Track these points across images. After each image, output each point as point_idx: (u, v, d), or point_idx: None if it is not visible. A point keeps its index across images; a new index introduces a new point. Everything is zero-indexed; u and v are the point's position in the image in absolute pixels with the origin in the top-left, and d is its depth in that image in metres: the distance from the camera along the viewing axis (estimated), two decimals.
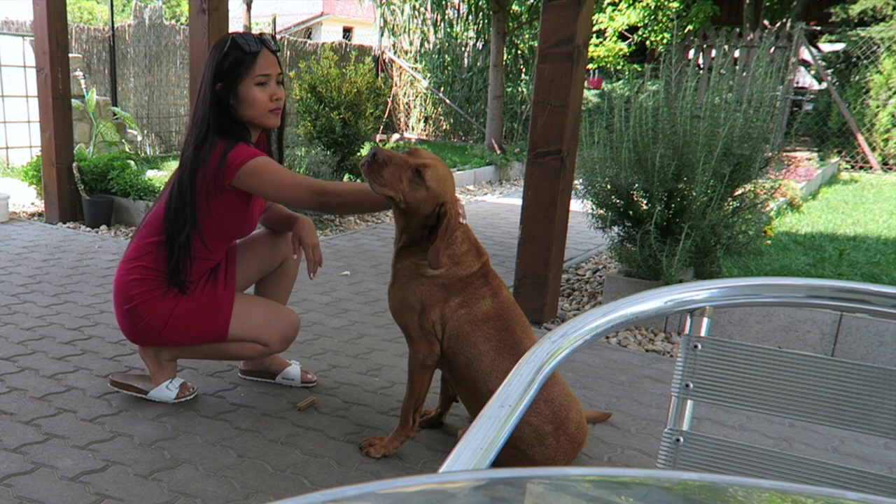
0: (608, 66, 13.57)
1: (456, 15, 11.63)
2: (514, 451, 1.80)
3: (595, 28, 12.90)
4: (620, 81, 13.28)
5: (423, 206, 1.79)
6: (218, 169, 1.99)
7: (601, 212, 3.36)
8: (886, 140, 9.48)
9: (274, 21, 10.26)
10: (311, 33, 22.88)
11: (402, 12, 11.57)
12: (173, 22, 9.22)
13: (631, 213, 3.26)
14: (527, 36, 11.52)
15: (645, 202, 3.20)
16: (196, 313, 2.11)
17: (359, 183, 1.99)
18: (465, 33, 11.63)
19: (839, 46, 10.33)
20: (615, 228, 3.37)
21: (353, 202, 1.99)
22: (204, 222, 2.07)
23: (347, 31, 24.71)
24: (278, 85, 2.07)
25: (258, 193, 2.06)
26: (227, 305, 2.13)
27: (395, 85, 12.07)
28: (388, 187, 1.76)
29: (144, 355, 2.26)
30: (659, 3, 12.51)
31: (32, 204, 5.34)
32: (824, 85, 10.02)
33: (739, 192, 3.26)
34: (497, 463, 0.66)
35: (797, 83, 11.02)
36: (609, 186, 3.28)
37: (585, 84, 5.68)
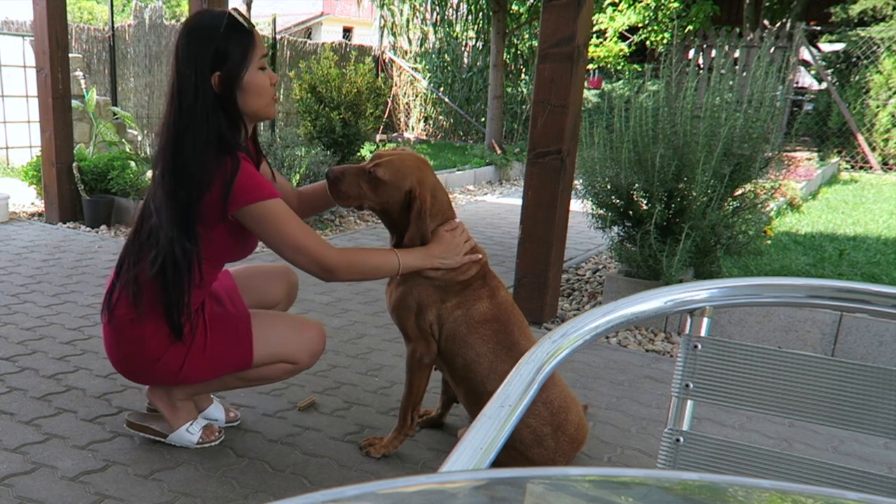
0: (608, 66, 13.57)
1: (456, 15, 11.63)
2: (513, 453, 1.80)
3: (595, 28, 12.90)
4: (620, 81, 13.29)
5: (391, 199, 1.84)
6: (224, 198, 1.71)
7: (601, 212, 3.36)
8: (886, 140, 9.48)
9: (274, 21, 10.26)
10: (311, 33, 22.88)
11: (402, 12, 11.58)
12: (173, 22, 9.22)
13: (631, 213, 3.26)
14: (527, 36, 11.53)
15: (645, 202, 3.20)
16: (216, 342, 1.86)
17: (379, 251, 1.84)
18: (465, 33, 11.64)
19: (839, 46, 10.33)
20: (615, 228, 3.37)
21: (367, 275, 1.84)
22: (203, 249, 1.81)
23: (347, 31, 24.71)
24: None
25: (257, 236, 1.81)
26: (246, 327, 1.88)
27: (395, 85, 12.08)
28: (352, 198, 1.85)
29: (154, 397, 2.00)
30: (659, 4, 12.51)
31: (32, 204, 5.34)
32: (824, 85, 10.02)
33: (739, 192, 3.26)
34: (496, 464, 0.66)
35: (797, 83, 11.02)
36: (609, 186, 3.28)
37: (585, 84, 5.68)
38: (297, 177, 4.91)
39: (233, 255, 1.92)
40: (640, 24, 12.91)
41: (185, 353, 1.83)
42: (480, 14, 11.23)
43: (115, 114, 6.96)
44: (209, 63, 1.69)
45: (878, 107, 9.46)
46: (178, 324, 1.80)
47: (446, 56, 11.71)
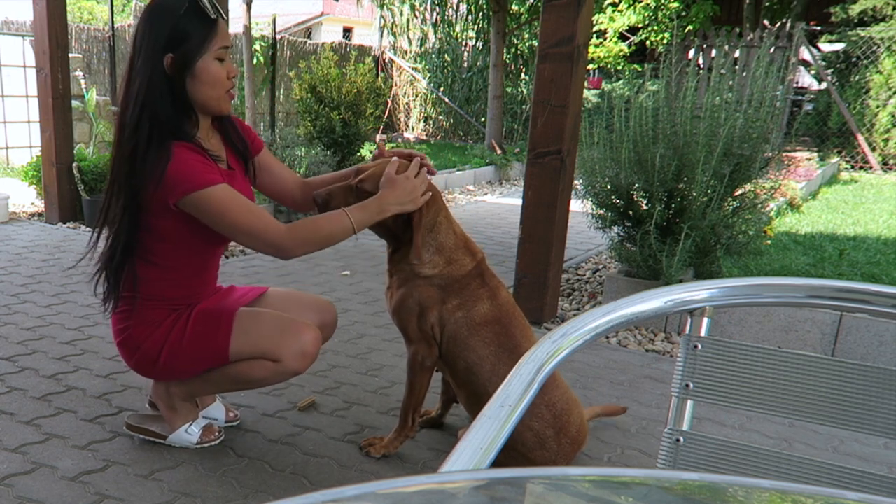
0: (608, 66, 13.58)
1: (456, 15, 11.64)
2: (515, 454, 1.80)
3: (595, 29, 12.91)
4: (620, 81, 13.30)
5: None
6: (157, 188, 1.68)
7: (601, 212, 3.36)
8: (886, 140, 9.48)
9: (274, 21, 10.26)
10: (311, 33, 22.88)
11: (402, 12, 11.58)
12: None
13: (631, 213, 3.26)
14: (527, 36, 11.53)
15: (645, 202, 3.20)
16: (194, 332, 1.84)
17: (328, 216, 1.76)
18: (465, 33, 11.64)
19: (839, 46, 10.34)
20: (615, 228, 3.37)
21: (322, 244, 1.76)
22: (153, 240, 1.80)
23: (347, 31, 24.72)
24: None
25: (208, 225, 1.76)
26: (228, 319, 1.84)
27: (395, 85, 12.08)
28: None
29: (156, 397, 2.03)
30: (659, 4, 12.51)
31: (32, 204, 5.34)
32: (824, 85, 10.03)
33: (739, 192, 3.27)
34: (497, 465, 0.66)
35: (797, 83, 11.02)
36: (609, 186, 3.28)
37: (585, 84, 5.68)
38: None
39: (205, 241, 1.85)
40: (640, 25, 12.92)
41: (162, 340, 1.84)
42: (480, 14, 11.24)
43: (115, 114, 6.97)
44: (164, 43, 1.67)
45: (878, 107, 9.47)
46: (111, 290, 1.82)
47: (446, 56, 11.72)
